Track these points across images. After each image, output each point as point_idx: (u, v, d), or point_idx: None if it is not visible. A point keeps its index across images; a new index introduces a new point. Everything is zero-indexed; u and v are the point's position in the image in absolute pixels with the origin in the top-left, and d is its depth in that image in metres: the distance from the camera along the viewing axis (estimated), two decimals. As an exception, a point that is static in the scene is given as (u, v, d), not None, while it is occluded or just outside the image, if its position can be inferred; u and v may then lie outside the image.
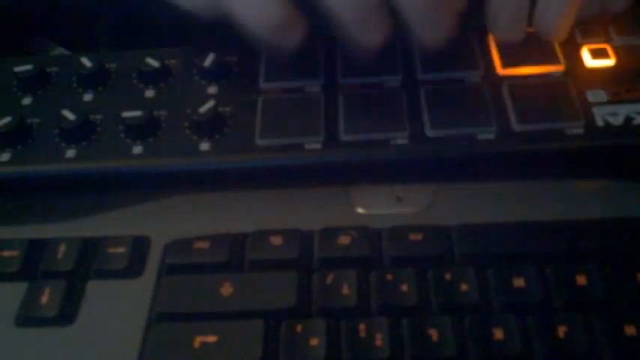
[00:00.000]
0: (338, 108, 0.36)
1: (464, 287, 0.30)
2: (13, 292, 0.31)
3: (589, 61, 0.37)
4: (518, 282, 0.30)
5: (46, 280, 0.31)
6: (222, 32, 0.34)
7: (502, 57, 0.37)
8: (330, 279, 0.30)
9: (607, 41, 0.37)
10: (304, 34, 0.34)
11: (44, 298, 0.31)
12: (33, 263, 0.32)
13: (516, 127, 0.34)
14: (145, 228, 0.33)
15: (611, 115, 0.34)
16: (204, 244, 0.32)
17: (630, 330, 0.28)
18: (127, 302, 0.31)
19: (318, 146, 0.34)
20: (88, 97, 0.37)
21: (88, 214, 0.34)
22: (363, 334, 0.29)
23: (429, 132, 0.34)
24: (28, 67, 0.38)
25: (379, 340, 0.28)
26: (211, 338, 0.29)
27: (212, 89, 0.37)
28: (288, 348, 0.28)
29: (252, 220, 0.33)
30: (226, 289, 0.30)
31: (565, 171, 0.34)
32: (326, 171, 0.34)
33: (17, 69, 0.38)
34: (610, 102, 0.35)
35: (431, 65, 0.37)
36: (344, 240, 0.31)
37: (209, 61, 0.38)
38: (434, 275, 0.30)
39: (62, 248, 0.32)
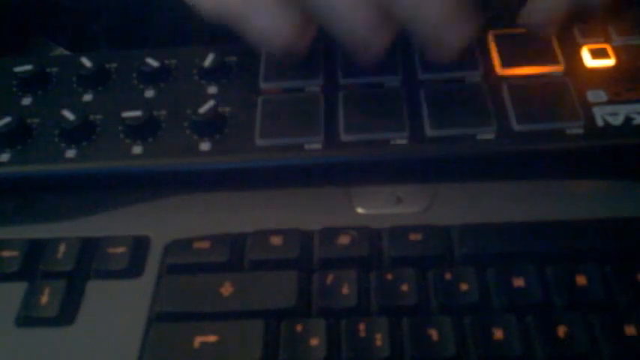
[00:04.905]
0: (338, 108, 0.36)
1: (464, 287, 0.30)
2: (13, 292, 0.31)
3: (589, 61, 0.37)
4: (518, 282, 0.30)
5: (46, 280, 0.31)
6: (222, 32, 0.34)
7: (502, 57, 0.37)
8: (330, 279, 0.30)
9: (607, 41, 0.37)
10: (310, 40, 0.33)
11: (44, 298, 0.31)
12: (33, 263, 0.32)
13: (516, 127, 0.34)
14: (145, 228, 0.33)
15: (611, 115, 0.34)
16: (204, 244, 0.32)
17: (630, 330, 0.28)
18: (127, 302, 0.31)
19: (318, 146, 0.34)
20: (88, 97, 0.37)
21: (88, 214, 0.34)
22: (363, 334, 0.29)
23: (429, 132, 0.34)
24: (28, 67, 0.38)
25: (379, 340, 0.28)
26: (211, 338, 0.29)
27: (212, 89, 0.37)
28: (288, 348, 0.28)
29: (252, 220, 0.33)
30: (226, 289, 0.30)
31: (565, 171, 0.34)
32: (326, 171, 0.34)
33: (17, 69, 0.38)
34: (610, 102, 0.35)
35: (431, 65, 0.37)
36: (344, 240, 0.31)
37: (209, 61, 0.38)
38: (434, 275, 0.30)
39: (62, 248, 0.32)
